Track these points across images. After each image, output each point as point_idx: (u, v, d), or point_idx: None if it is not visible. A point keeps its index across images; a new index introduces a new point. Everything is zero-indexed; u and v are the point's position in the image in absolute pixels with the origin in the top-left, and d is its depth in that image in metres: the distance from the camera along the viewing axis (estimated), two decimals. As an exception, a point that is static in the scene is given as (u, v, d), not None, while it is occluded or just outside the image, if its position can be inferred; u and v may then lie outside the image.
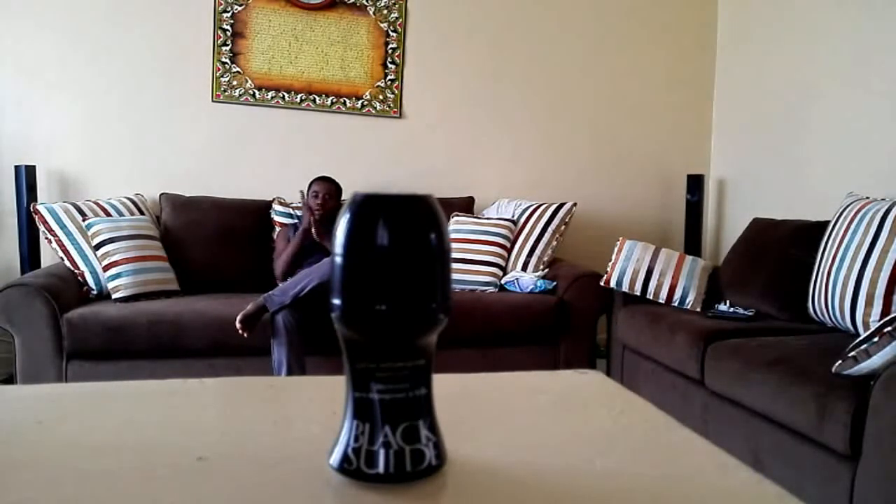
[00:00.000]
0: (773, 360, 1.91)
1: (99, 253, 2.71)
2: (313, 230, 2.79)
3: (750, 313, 2.54)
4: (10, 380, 2.70)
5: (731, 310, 2.60)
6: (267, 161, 3.41)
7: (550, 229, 3.15)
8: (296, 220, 3.06)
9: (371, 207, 0.44)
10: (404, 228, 0.44)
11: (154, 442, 0.53)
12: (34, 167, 3.02)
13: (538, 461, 0.51)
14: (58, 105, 3.19)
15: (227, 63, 3.33)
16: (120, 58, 3.24)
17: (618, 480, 0.48)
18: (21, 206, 2.95)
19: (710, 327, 2.33)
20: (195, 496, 0.44)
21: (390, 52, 3.50)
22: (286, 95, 3.41)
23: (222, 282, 2.96)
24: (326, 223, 2.87)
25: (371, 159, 3.53)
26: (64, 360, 2.46)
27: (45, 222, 2.78)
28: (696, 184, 3.65)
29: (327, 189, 2.92)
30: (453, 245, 2.93)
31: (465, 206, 3.41)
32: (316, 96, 3.44)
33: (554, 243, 3.16)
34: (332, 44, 3.43)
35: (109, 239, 2.72)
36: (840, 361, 1.70)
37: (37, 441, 0.53)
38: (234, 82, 3.35)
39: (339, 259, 0.44)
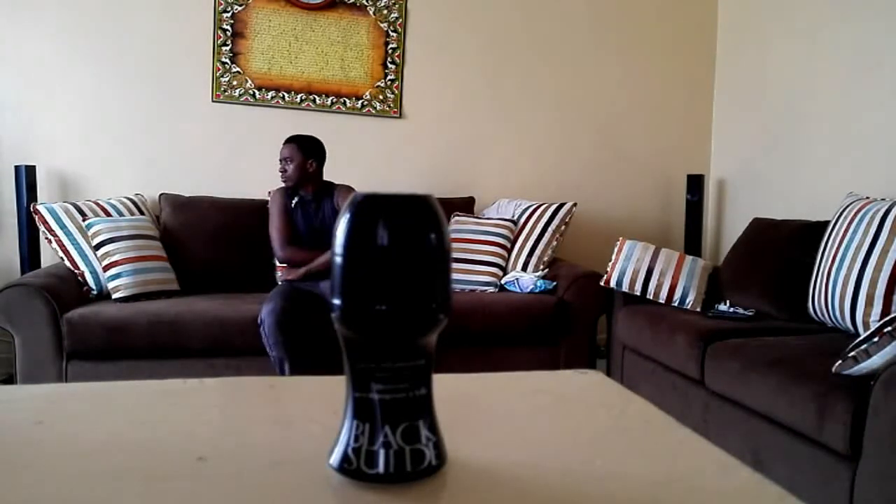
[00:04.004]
0: (773, 360, 1.91)
1: (99, 253, 2.71)
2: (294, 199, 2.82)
3: (750, 313, 2.54)
4: (10, 380, 2.70)
5: (731, 310, 2.60)
6: (267, 161, 3.39)
7: (550, 229, 3.15)
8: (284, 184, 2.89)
9: (371, 207, 0.44)
10: (404, 228, 0.44)
11: (154, 442, 0.53)
12: (34, 167, 3.02)
13: (538, 461, 0.51)
14: (58, 105, 3.19)
15: (227, 63, 3.33)
16: (120, 58, 3.24)
17: (618, 480, 0.48)
18: (21, 206, 2.95)
19: (710, 327, 2.33)
20: (195, 496, 0.44)
21: (390, 52, 3.50)
22: (286, 95, 3.41)
23: (222, 282, 2.96)
24: (302, 186, 2.81)
25: (371, 159, 3.53)
26: (64, 360, 2.46)
27: (45, 222, 2.78)
28: (696, 184, 3.65)
29: (283, 154, 2.78)
30: (453, 245, 2.93)
31: (466, 206, 3.42)
32: (316, 96, 3.44)
33: (554, 243, 3.16)
34: (332, 44, 3.43)
35: (109, 239, 2.72)
36: (840, 361, 1.70)
37: (37, 441, 0.53)
38: (234, 82, 3.35)
39: (339, 259, 0.44)
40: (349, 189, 2.84)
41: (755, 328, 2.35)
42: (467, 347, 2.64)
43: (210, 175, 3.34)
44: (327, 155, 2.88)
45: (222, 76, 3.33)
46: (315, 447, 0.50)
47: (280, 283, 2.81)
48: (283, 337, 2.41)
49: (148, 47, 3.27)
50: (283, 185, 2.85)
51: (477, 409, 0.63)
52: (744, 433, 1.98)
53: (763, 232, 2.83)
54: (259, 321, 2.45)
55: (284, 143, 2.82)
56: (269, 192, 2.98)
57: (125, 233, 2.78)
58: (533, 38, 3.70)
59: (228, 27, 3.32)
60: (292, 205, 2.83)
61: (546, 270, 3.10)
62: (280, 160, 2.80)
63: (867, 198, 2.32)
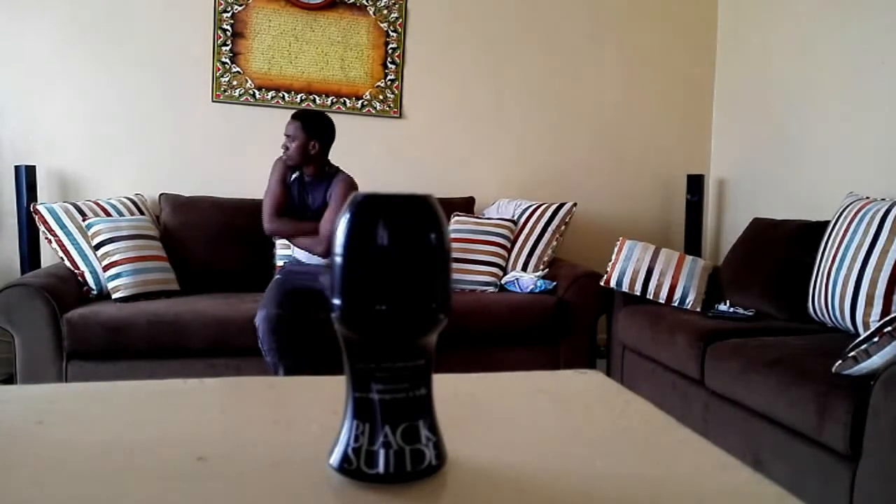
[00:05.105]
0: (773, 360, 1.91)
1: (99, 253, 2.71)
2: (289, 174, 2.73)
3: (750, 313, 2.54)
4: (10, 380, 2.70)
5: (731, 310, 2.60)
6: (267, 161, 3.39)
7: (550, 229, 3.15)
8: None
9: (371, 207, 0.44)
10: (404, 228, 0.44)
11: (154, 442, 0.53)
12: (34, 167, 3.02)
13: (538, 461, 0.51)
14: (58, 105, 3.19)
15: (227, 63, 3.33)
16: (120, 58, 3.24)
17: (618, 480, 0.48)
18: (21, 206, 2.95)
19: (710, 327, 2.33)
20: (195, 496, 0.44)
21: (390, 52, 3.50)
22: (286, 95, 3.41)
23: (222, 282, 2.96)
24: (303, 164, 2.71)
25: (371, 159, 3.53)
26: (64, 360, 2.46)
27: (45, 222, 2.78)
28: (696, 184, 3.65)
29: (287, 130, 2.68)
30: (453, 245, 2.91)
31: (465, 206, 3.41)
32: (316, 96, 3.44)
33: (554, 243, 3.16)
34: (332, 44, 3.43)
35: (109, 239, 2.72)
36: (840, 361, 1.70)
37: (37, 441, 0.53)
38: (234, 82, 3.35)
39: (339, 259, 0.44)
40: (345, 182, 2.71)
41: (755, 328, 2.34)
42: (467, 347, 2.64)
43: (210, 175, 3.34)
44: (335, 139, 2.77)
45: (222, 76, 3.33)
46: (315, 447, 0.50)
47: (277, 272, 2.73)
48: (276, 344, 2.40)
49: (148, 47, 3.26)
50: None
51: (477, 409, 0.63)
52: (744, 433, 1.98)
53: (763, 232, 2.83)
54: (255, 325, 2.45)
55: (290, 119, 2.70)
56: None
57: (125, 233, 2.78)
58: (533, 38, 3.70)
59: (228, 27, 3.32)
60: (291, 178, 2.76)
61: (546, 270, 3.10)
62: (284, 135, 2.70)
63: (867, 198, 2.32)
